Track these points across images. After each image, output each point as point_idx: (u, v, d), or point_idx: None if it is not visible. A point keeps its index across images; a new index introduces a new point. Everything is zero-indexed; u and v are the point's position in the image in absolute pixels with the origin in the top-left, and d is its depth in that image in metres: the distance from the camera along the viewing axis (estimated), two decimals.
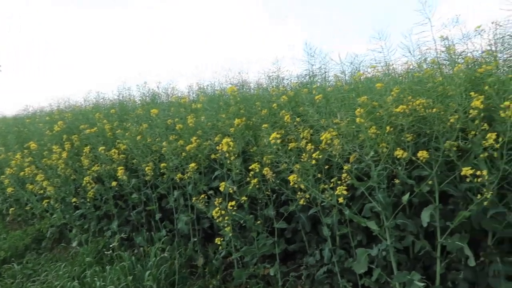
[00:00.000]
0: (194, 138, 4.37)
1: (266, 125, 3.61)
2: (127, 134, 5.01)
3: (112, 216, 5.64)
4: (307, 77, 4.84)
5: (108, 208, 5.55)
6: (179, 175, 4.52)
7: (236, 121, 4.08)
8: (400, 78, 3.59)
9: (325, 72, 4.83)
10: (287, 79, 5.62)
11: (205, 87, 6.07)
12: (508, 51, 3.81)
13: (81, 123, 6.09)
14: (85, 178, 5.27)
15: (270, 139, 3.32)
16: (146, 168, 4.78)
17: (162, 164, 4.67)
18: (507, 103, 2.65)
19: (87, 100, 8.04)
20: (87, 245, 5.33)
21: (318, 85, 4.50)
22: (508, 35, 3.62)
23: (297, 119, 3.81)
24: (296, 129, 3.73)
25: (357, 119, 2.96)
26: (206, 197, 4.25)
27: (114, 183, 5.14)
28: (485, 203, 2.76)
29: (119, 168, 4.99)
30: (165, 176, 4.84)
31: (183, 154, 4.54)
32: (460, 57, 3.71)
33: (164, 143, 4.49)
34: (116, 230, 5.43)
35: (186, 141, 4.55)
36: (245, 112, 4.44)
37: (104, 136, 5.62)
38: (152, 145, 4.88)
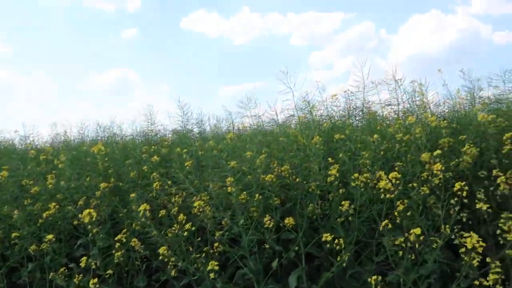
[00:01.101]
0: (53, 204, 3.88)
1: (133, 194, 3.39)
2: None
3: None
4: (182, 133, 4.81)
5: None
6: (33, 247, 3.93)
7: (102, 184, 3.77)
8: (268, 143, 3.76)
9: (200, 128, 4.87)
10: (162, 133, 5.51)
11: (71, 140, 5.57)
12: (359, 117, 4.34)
13: None
14: None
15: (139, 210, 3.11)
16: None
17: (14, 234, 4.03)
18: (356, 174, 2.94)
19: None
20: None
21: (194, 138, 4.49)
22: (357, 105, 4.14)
23: (169, 182, 3.69)
24: (167, 195, 3.60)
25: (228, 188, 2.97)
26: (66, 270, 3.76)
27: None
28: (344, 264, 2.96)
29: None
30: (17, 246, 4.17)
31: (40, 220, 4.00)
32: (320, 122, 4.09)
33: (15, 212, 3.89)
34: None
35: (44, 205, 4.03)
36: (114, 173, 4.14)
37: None
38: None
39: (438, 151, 3.17)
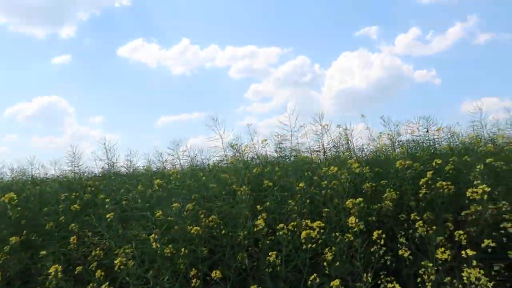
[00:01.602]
0: None
1: (43, 252, 3.11)
2: None
3: None
4: (108, 174, 4.57)
5: None
6: None
7: (13, 238, 3.42)
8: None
9: (128, 169, 4.66)
10: (88, 174, 5.20)
11: None
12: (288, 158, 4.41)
13: None
14: None
15: (50, 271, 2.84)
16: None
17: None
18: (281, 225, 2.94)
19: None
20: None
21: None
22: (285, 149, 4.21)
23: (89, 233, 3.44)
24: (88, 246, 3.35)
25: (153, 244, 2.82)
26: None
27: None
28: None
29: None
30: None
31: None
32: (250, 167, 4.09)
33: None
34: None
35: None
36: (27, 224, 3.79)
37: None
38: None
39: (360, 199, 3.28)
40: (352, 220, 2.98)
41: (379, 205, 3.64)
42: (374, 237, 2.97)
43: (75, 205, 3.76)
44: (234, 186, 3.54)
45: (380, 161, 4.27)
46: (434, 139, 4.70)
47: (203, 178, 3.84)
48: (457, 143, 4.72)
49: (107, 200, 3.47)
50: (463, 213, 3.57)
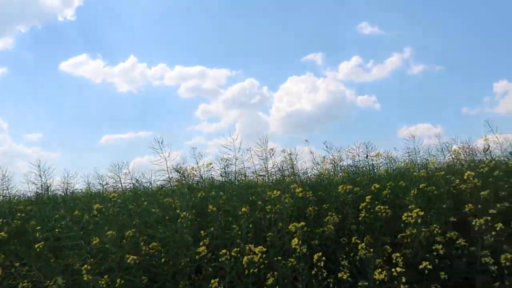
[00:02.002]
0: None
1: None
2: None
3: None
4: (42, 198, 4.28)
5: None
6: None
7: None
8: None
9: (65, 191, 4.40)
10: (20, 197, 4.85)
11: None
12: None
13: None
14: None
15: None
16: None
17: None
18: (224, 250, 2.90)
19: None
20: None
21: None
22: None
23: (17, 264, 3.17)
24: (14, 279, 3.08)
25: (84, 276, 2.65)
26: None
27: None
28: None
29: None
30: None
31: None
32: (194, 191, 4.02)
33: None
34: None
35: None
36: None
37: None
38: None
39: (303, 223, 3.32)
40: (295, 241, 3.01)
41: (321, 229, 3.71)
42: (314, 260, 3.01)
43: (2, 233, 3.46)
44: (178, 211, 3.45)
45: (323, 185, 4.38)
46: (373, 164, 4.94)
47: (145, 203, 3.71)
48: (394, 168, 4.98)
49: (38, 227, 3.23)
50: (399, 236, 3.73)
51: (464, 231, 3.79)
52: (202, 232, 3.37)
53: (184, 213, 3.15)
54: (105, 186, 4.79)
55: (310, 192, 3.83)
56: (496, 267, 3.30)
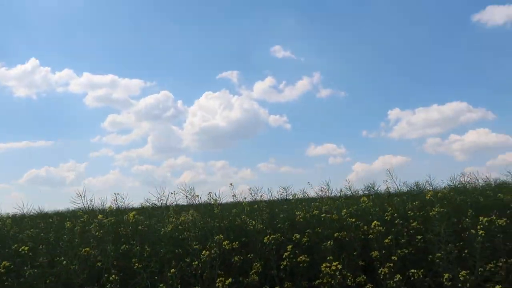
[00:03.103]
0: None
1: None
2: None
3: None
4: None
5: None
6: None
7: None
8: None
9: None
10: None
11: None
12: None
13: None
14: None
15: None
16: None
17: None
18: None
19: None
20: None
21: None
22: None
23: None
24: None
25: None
26: None
27: None
28: None
29: None
30: None
31: None
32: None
33: None
34: None
35: None
36: None
37: None
38: None
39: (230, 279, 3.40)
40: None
41: (246, 280, 3.82)
42: None
43: None
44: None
45: (245, 230, 4.50)
46: (292, 206, 5.24)
47: None
48: (311, 210, 5.31)
49: None
50: (317, 282, 4.01)
51: (372, 274, 4.22)
52: None
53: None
54: None
55: (237, 242, 3.93)
56: None
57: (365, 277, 4.13)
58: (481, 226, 4.02)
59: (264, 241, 4.02)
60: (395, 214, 4.69)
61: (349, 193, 7.15)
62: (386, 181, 6.59)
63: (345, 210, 4.71)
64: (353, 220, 4.65)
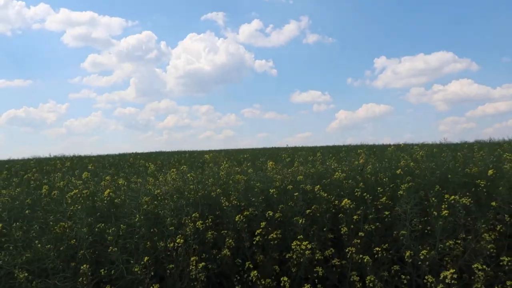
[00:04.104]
0: None
1: None
2: None
3: None
4: None
5: None
6: None
7: None
8: None
9: None
10: None
11: None
12: None
13: None
14: None
15: None
16: None
17: None
18: None
19: None
20: None
21: None
22: None
23: None
24: None
25: None
26: None
27: None
28: None
29: None
30: None
31: None
32: None
33: None
34: None
35: None
36: None
37: None
38: None
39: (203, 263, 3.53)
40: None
41: (219, 256, 3.98)
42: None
43: None
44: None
45: (220, 208, 4.60)
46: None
47: None
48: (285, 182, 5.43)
49: None
50: (287, 256, 4.20)
51: (342, 248, 4.42)
52: (102, 271, 3.36)
53: None
54: None
55: (210, 220, 4.03)
56: (361, 284, 3.99)
57: (333, 250, 4.34)
58: (446, 205, 4.22)
59: (236, 219, 4.13)
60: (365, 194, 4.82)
61: None
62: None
63: (318, 186, 4.82)
64: (325, 194, 4.79)
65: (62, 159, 20.24)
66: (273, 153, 20.13)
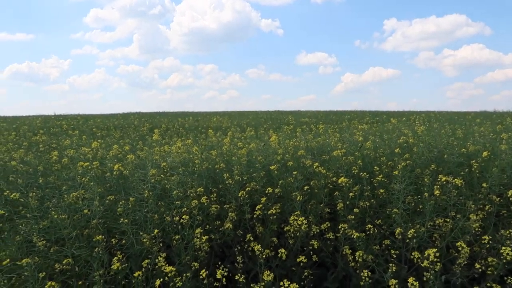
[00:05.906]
0: None
1: None
2: None
3: None
4: None
5: None
6: None
7: None
8: None
9: None
10: None
11: None
12: None
13: None
14: None
15: None
16: None
17: None
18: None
19: None
20: None
21: None
22: None
23: None
24: None
25: None
26: None
27: None
28: None
29: None
30: None
31: None
32: None
33: None
34: None
35: None
36: None
37: None
38: None
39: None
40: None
41: (221, 228, 4.26)
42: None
43: None
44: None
45: (223, 184, 4.84)
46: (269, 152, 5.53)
47: None
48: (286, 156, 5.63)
49: None
50: (285, 228, 4.48)
51: (337, 223, 4.69)
52: (113, 241, 3.64)
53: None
54: None
55: (215, 195, 4.27)
56: (352, 256, 4.28)
57: (329, 224, 4.61)
58: (438, 186, 4.43)
59: (239, 195, 4.37)
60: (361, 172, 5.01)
61: None
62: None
63: (316, 164, 5.02)
64: (324, 171, 5.00)
65: (68, 119, 20.55)
66: (276, 118, 20.30)
